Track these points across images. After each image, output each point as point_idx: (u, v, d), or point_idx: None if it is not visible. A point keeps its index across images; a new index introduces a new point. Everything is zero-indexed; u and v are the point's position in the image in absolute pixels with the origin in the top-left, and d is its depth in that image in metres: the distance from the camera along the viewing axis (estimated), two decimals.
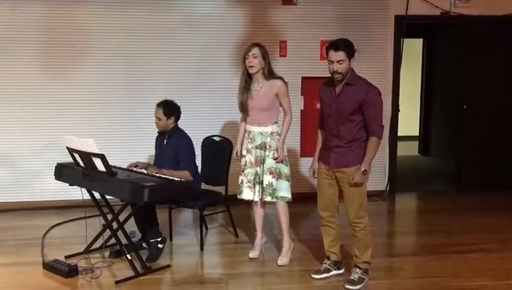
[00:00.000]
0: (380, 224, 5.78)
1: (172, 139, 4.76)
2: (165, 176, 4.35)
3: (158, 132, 4.91)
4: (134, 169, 4.62)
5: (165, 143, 4.83)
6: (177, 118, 4.79)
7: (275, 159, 4.32)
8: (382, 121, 3.85)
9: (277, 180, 4.34)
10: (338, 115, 3.83)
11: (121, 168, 4.57)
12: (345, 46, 3.75)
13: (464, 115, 7.18)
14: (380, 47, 6.63)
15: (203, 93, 6.31)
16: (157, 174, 4.41)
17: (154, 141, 4.99)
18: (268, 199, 4.37)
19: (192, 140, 4.81)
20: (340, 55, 3.72)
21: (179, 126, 4.83)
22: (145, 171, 4.50)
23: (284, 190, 4.37)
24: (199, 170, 4.95)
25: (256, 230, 4.64)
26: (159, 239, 4.58)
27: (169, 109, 4.73)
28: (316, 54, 6.50)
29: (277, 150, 4.32)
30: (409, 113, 8.82)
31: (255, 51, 4.28)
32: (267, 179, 4.33)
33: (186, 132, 4.83)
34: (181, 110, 4.80)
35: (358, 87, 3.78)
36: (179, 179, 4.28)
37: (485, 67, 6.97)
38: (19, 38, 5.93)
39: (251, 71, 4.31)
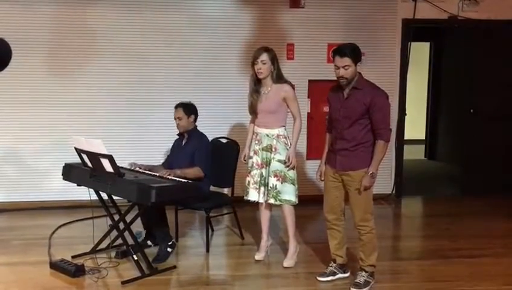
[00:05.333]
0: (386, 227, 5.78)
1: (192, 139, 4.83)
2: (177, 178, 4.36)
3: (178, 134, 4.96)
4: (142, 170, 4.64)
5: (183, 143, 4.88)
6: (196, 117, 4.86)
7: (287, 166, 4.33)
8: (389, 125, 3.86)
9: (282, 183, 4.34)
10: (345, 119, 3.84)
11: (128, 169, 4.60)
12: (351, 52, 3.76)
13: (471, 119, 7.17)
14: (387, 50, 6.63)
15: (210, 96, 6.32)
16: (171, 177, 4.42)
17: (172, 144, 5.04)
18: (272, 201, 4.38)
19: None
20: (346, 60, 3.74)
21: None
22: (157, 174, 4.51)
23: (289, 193, 4.37)
24: None
25: (262, 232, 4.65)
26: (169, 243, 4.61)
27: (189, 107, 4.81)
28: (323, 56, 6.51)
29: (289, 157, 4.33)
30: (415, 117, 8.81)
31: (264, 57, 4.28)
32: (272, 181, 4.34)
33: None
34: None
35: (365, 91, 3.79)
36: (186, 181, 4.30)
37: (493, 72, 6.96)
38: (28, 40, 5.96)
39: (260, 77, 4.32)
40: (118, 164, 4.13)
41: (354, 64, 3.77)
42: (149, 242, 4.83)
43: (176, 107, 4.84)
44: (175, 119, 4.83)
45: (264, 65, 4.29)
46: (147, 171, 4.61)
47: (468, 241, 5.20)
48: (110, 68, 6.20)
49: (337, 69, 3.79)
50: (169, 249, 4.57)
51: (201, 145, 4.77)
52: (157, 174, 4.48)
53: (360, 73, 3.86)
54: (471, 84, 7.21)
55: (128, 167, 4.69)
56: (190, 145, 4.81)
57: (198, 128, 4.91)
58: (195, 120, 4.86)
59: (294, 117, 4.40)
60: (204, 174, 4.68)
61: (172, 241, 4.65)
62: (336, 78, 3.90)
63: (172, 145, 5.05)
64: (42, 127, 6.14)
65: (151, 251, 4.63)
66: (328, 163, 4.07)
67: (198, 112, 4.89)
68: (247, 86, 4.50)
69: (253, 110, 4.45)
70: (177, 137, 5.01)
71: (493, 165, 7.10)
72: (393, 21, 6.62)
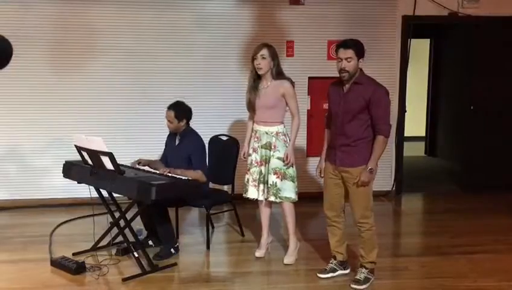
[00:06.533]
0: (386, 224, 5.79)
1: (185, 140, 4.75)
2: (177, 176, 4.37)
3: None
4: (142, 167, 4.64)
5: (176, 143, 4.83)
6: (189, 119, 4.77)
7: (285, 164, 4.33)
8: (389, 120, 3.86)
9: (281, 180, 4.35)
10: (345, 113, 3.85)
11: (128, 167, 4.60)
12: (355, 45, 3.78)
13: (471, 116, 7.17)
14: (387, 47, 6.62)
15: (210, 93, 6.32)
16: (170, 174, 4.42)
17: (166, 138, 5.00)
18: (272, 198, 4.38)
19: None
20: (349, 53, 3.75)
21: (191, 126, 4.83)
22: (157, 171, 4.51)
23: (289, 191, 4.37)
24: None
25: (262, 229, 4.65)
26: (175, 245, 4.62)
27: (181, 111, 4.70)
28: (323, 54, 6.51)
29: (287, 155, 4.32)
30: (415, 114, 8.79)
31: (264, 52, 4.28)
32: (272, 179, 4.35)
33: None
34: (192, 110, 4.79)
35: (366, 86, 3.80)
36: (186, 178, 4.29)
37: (492, 68, 6.96)
38: (29, 37, 5.96)
39: (259, 72, 4.32)
40: (118, 162, 4.14)
41: (357, 58, 3.77)
42: (150, 242, 4.82)
43: (169, 108, 4.70)
44: (166, 118, 4.73)
45: (263, 60, 4.28)
46: (147, 169, 4.61)
47: (468, 237, 5.21)
48: (110, 66, 6.20)
49: (339, 62, 3.80)
50: (172, 251, 4.58)
51: (196, 148, 4.68)
52: (158, 172, 4.48)
53: (361, 69, 3.86)
54: (471, 81, 7.21)
55: (130, 165, 4.70)
56: (184, 146, 4.74)
57: (198, 126, 4.88)
58: (187, 123, 4.76)
59: (293, 115, 4.39)
60: (206, 179, 4.63)
61: (178, 245, 4.66)
62: (336, 76, 3.91)
63: (166, 142, 4.99)
64: (43, 125, 6.14)
65: (152, 249, 4.64)
66: (327, 159, 4.07)
67: (199, 109, 4.88)
68: (247, 83, 4.50)
69: (251, 106, 4.44)
70: (169, 132, 4.94)
71: (493, 162, 7.11)
72: (393, 18, 6.61)
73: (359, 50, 3.79)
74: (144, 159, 4.85)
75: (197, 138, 4.77)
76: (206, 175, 4.67)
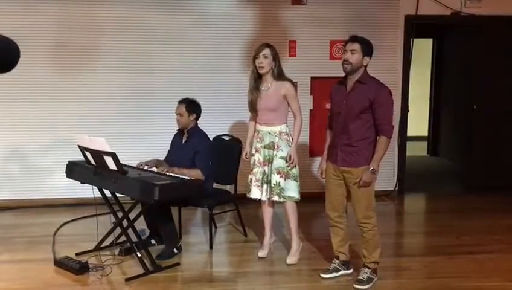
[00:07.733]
0: (389, 224, 5.78)
1: (193, 139, 4.76)
2: (176, 175, 4.37)
3: (177, 130, 4.94)
4: (145, 168, 4.65)
5: (183, 141, 4.85)
6: (198, 116, 4.81)
7: (288, 165, 4.33)
8: (392, 121, 3.86)
9: (285, 180, 4.35)
10: (348, 113, 3.85)
11: (132, 167, 4.61)
12: (362, 40, 3.83)
13: (473, 116, 7.17)
14: (390, 47, 6.62)
15: (213, 93, 6.32)
16: (168, 173, 4.43)
17: (171, 138, 5.00)
18: (275, 198, 4.38)
19: None
20: (355, 45, 3.79)
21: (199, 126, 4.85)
22: (155, 170, 4.52)
23: (292, 190, 4.37)
24: None
25: (264, 229, 4.66)
26: (177, 245, 4.63)
27: (192, 105, 4.75)
28: (325, 53, 6.50)
29: (290, 156, 4.32)
30: (418, 114, 8.81)
31: (266, 51, 4.29)
32: (275, 178, 4.35)
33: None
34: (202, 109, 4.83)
35: (369, 86, 3.80)
36: (189, 178, 4.30)
37: (495, 68, 6.95)
38: (32, 37, 5.96)
39: (260, 71, 4.32)
40: (121, 162, 4.14)
41: (362, 53, 3.79)
42: (153, 241, 4.84)
43: (180, 102, 4.78)
44: (176, 114, 4.79)
45: (265, 59, 4.28)
46: (150, 169, 4.61)
47: (471, 237, 5.21)
48: (113, 66, 6.22)
49: (344, 53, 3.83)
50: (175, 251, 4.59)
51: (202, 147, 4.69)
52: (155, 170, 4.49)
53: (365, 69, 3.87)
54: (474, 80, 7.20)
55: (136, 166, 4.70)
56: (190, 144, 4.75)
57: (201, 125, 4.88)
58: (196, 119, 4.80)
59: (295, 115, 4.39)
60: (204, 178, 4.62)
61: (180, 245, 4.67)
62: (339, 76, 3.92)
63: (172, 141, 5.01)
64: (46, 125, 6.16)
65: (155, 248, 4.65)
66: (329, 159, 4.07)
67: (202, 109, 4.88)
68: (248, 83, 4.50)
69: (252, 107, 4.45)
70: (176, 132, 4.97)
71: (496, 162, 7.10)
72: (395, 17, 6.61)
73: (366, 47, 3.82)
74: (151, 160, 4.83)
75: (205, 137, 4.80)
76: (206, 175, 4.65)
